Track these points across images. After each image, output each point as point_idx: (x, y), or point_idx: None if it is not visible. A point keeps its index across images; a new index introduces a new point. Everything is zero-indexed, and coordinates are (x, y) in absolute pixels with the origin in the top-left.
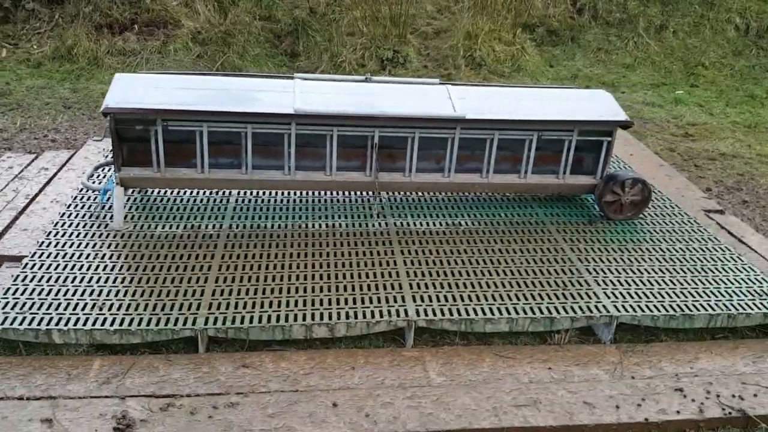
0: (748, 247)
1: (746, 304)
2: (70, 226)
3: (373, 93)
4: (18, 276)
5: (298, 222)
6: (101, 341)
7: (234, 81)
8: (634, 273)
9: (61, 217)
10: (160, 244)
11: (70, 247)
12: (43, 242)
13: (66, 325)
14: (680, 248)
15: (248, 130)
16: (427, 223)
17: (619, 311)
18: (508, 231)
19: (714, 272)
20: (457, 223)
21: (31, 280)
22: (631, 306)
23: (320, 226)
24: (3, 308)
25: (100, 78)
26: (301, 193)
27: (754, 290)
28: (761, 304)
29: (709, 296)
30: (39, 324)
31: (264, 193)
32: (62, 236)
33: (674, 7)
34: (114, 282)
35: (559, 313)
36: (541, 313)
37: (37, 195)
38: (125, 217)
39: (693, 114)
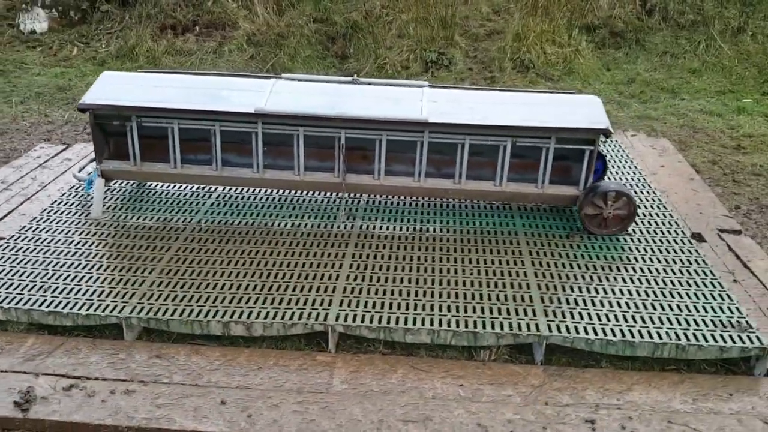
0: (750, 272)
1: (702, 334)
2: (55, 213)
3: (345, 94)
4: None
5: (266, 220)
6: (38, 321)
7: (214, 80)
8: (589, 293)
9: (51, 204)
10: (126, 234)
11: (46, 232)
12: (24, 227)
13: (9, 303)
14: (656, 269)
15: (216, 128)
16: (394, 228)
17: (551, 331)
18: (473, 240)
19: (680, 298)
20: (425, 229)
21: None
22: (567, 327)
23: (286, 225)
24: None
25: None
26: (277, 192)
27: (720, 321)
28: (720, 336)
29: (662, 323)
30: None
31: (243, 190)
32: (43, 222)
33: (755, 8)
34: (68, 267)
35: (484, 328)
36: (466, 326)
37: (48, 183)
38: (106, 208)
39: (754, 125)
